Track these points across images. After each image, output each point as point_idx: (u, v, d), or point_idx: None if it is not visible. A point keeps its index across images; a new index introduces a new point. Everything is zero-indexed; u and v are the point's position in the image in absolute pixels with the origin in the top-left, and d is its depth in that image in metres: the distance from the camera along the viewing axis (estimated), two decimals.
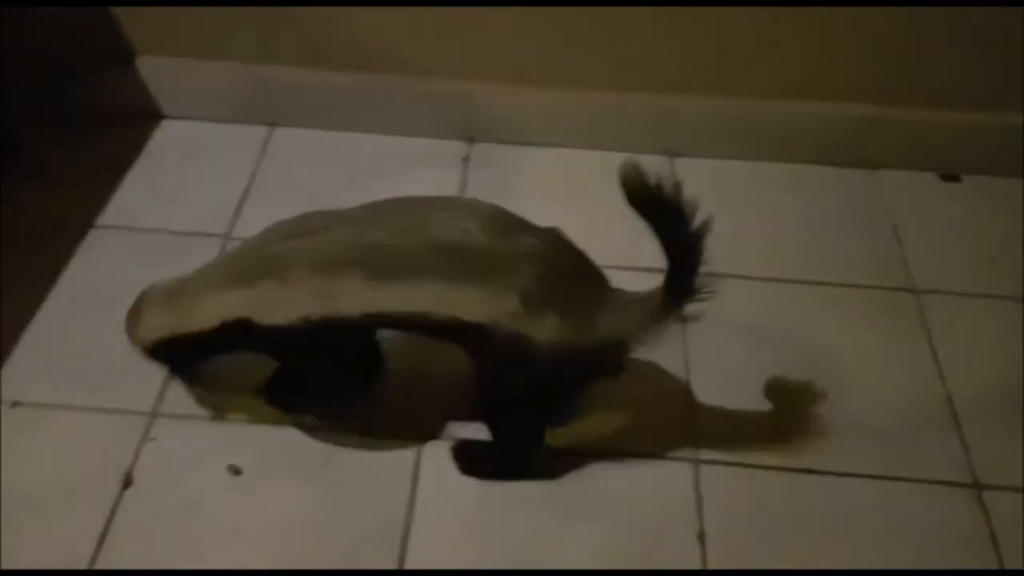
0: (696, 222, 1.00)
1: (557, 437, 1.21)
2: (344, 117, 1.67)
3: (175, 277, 1.18)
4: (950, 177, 1.65)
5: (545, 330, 1.02)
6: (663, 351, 1.31)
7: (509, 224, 1.08)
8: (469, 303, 1.02)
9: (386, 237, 1.05)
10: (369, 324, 1.10)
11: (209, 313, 1.11)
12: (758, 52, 1.56)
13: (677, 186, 0.99)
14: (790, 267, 1.48)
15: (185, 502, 1.16)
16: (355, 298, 1.04)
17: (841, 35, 1.53)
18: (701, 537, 1.14)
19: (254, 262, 1.11)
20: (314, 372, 1.21)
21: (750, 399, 1.29)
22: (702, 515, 1.16)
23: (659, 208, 0.98)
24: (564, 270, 1.07)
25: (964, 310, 1.43)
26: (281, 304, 1.06)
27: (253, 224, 1.47)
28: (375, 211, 1.11)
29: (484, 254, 1.04)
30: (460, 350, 1.10)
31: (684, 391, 1.31)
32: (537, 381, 1.07)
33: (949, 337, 1.39)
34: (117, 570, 1.10)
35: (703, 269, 1.02)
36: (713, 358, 1.34)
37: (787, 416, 1.28)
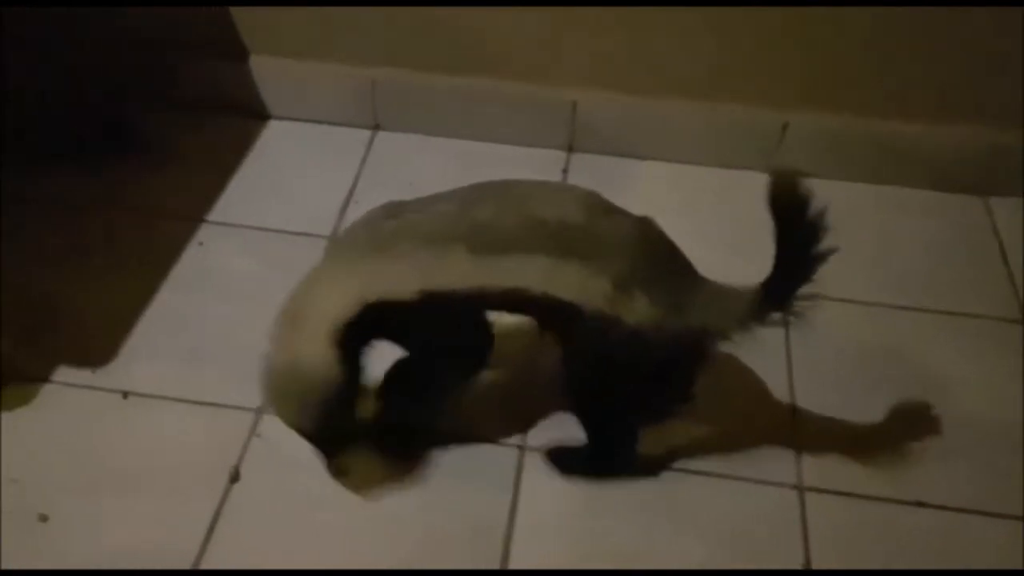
0: (822, 243, 1.00)
1: (655, 442, 1.21)
2: (446, 122, 1.68)
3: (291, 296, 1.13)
4: None
5: (635, 313, 1.03)
6: (769, 372, 1.32)
7: (605, 209, 1.09)
8: (563, 281, 1.03)
9: (487, 215, 1.06)
10: (474, 300, 1.09)
11: (342, 303, 1.07)
12: (881, 71, 1.54)
13: (821, 206, 0.99)
14: (896, 292, 1.46)
15: (291, 500, 1.18)
16: (460, 272, 1.05)
17: (971, 58, 1.50)
18: (807, 568, 1.13)
19: (365, 243, 1.11)
20: (433, 356, 1.18)
21: (856, 425, 1.28)
22: (808, 545, 1.15)
23: (797, 219, 0.99)
24: (657, 257, 1.08)
25: None
26: (396, 279, 1.06)
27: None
28: (475, 191, 1.12)
29: (581, 235, 1.05)
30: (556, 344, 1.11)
31: (788, 412, 1.29)
32: (625, 364, 1.06)
33: None
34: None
35: (806, 287, 1.02)
36: (817, 381, 1.33)
37: (895, 444, 1.26)
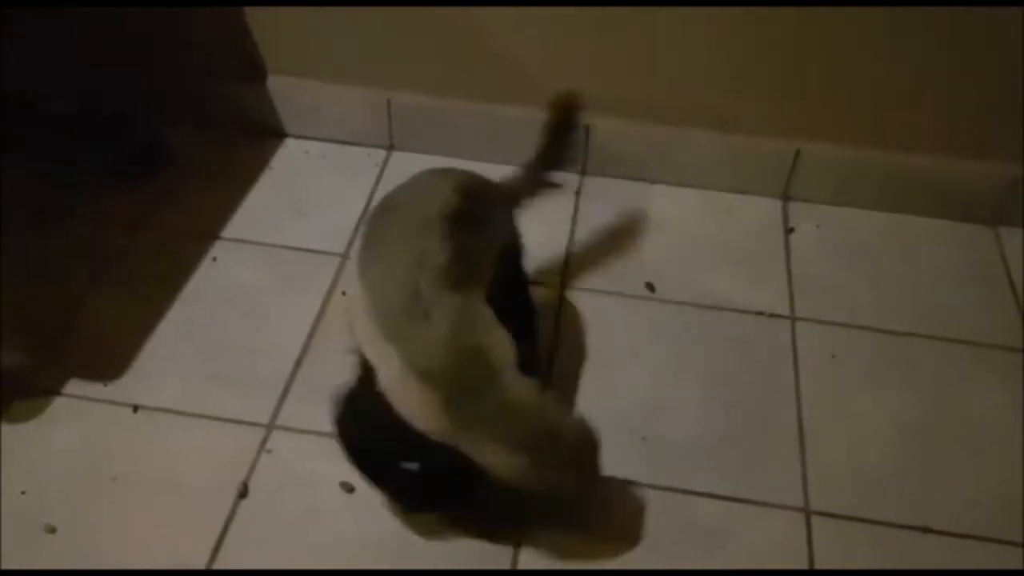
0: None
1: None
2: (460, 145, 1.70)
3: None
4: None
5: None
6: (780, 399, 1.32)
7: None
8: None
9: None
10: None
11: None
12: (894, 102, 1.55)
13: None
14: (907, 320, 1.46)
15: (299, 516, 1.19)
16: None
17: (984, 92, 1.51)
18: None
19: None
20: None
21: (865, 450, 1.28)
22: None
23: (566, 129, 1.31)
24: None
25: None
26: None
27: None
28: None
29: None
30: None
31: (796, 436, 1.30)
32: None
33: None
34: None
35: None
36: (830, 406, 1.34)
37: (904, 470, 1.26)
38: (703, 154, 1.66)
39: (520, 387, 1.03)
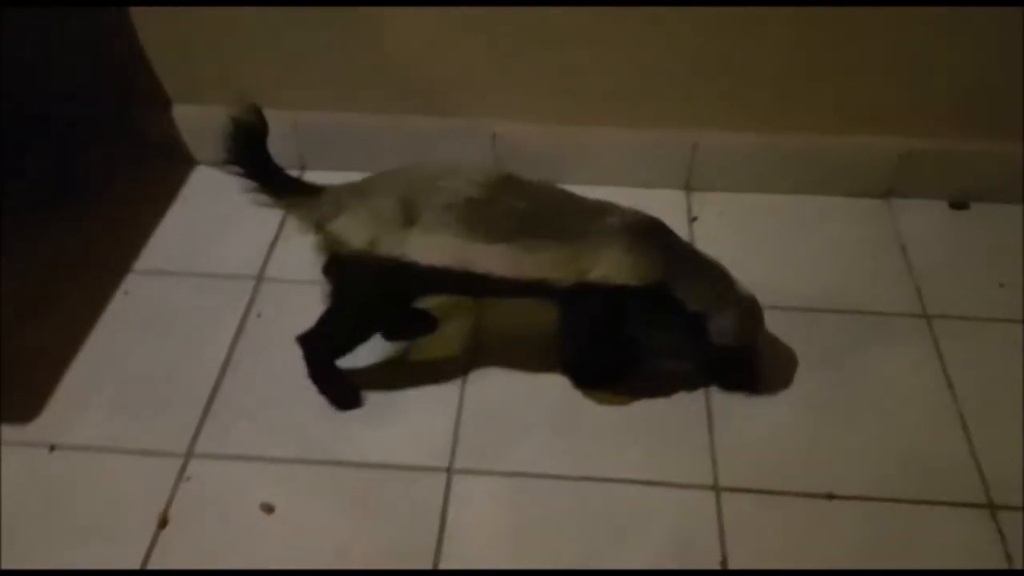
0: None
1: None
2: (371, 158, 1.71)
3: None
4: (959, 205, 1.69)
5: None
6: (684, 378, 1.37)
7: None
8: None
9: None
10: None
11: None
12: (784, 88, 1.61)
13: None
14: (808, 296, 1.52)
15: (220, 540, 1.20)
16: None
17: (868, 73, 1.57)
18: (724, 565, 1.18)
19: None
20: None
21: (771, 424, 1.34)
22: (724, 545, 1.20)
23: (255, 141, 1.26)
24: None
25: (973, 334, 1.47)
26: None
27: (285, 265, 1.56)
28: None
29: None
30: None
31: (704, 416, 1.35)
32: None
33: (959, 361, 1.43)
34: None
35: None
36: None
37: (809, 440, 1.32)
38: (610, 152, 1.71)
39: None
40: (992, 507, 1.24)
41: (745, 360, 1.36)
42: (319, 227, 1.23)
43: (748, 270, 1.55)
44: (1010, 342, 1.46)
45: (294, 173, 1.71)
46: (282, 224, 1.64)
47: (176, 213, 1.68)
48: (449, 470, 1.28)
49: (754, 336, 1.34)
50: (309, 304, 1.48)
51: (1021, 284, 1.55)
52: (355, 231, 1.21)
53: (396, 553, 1.19)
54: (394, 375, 1.40)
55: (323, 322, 1.31)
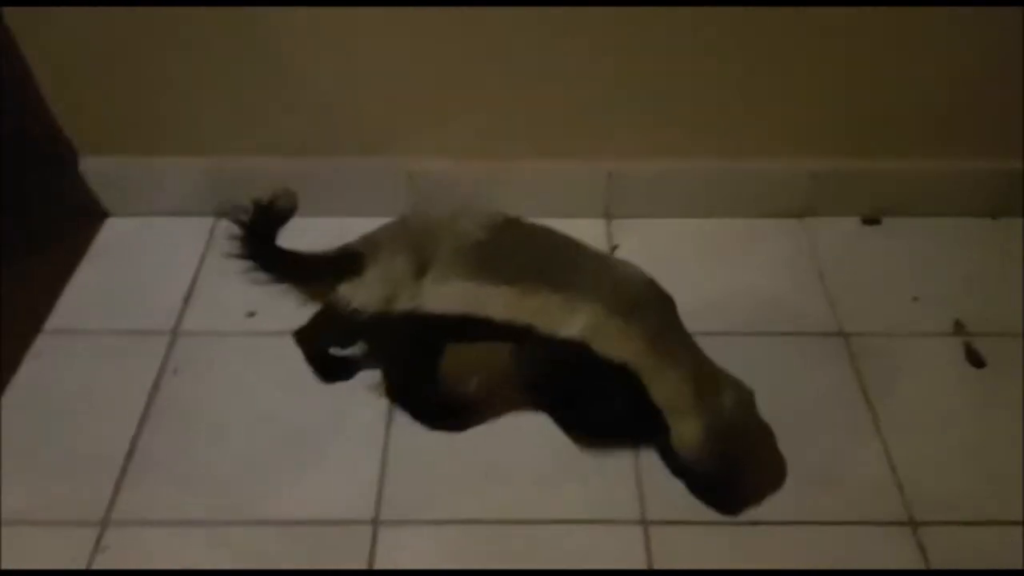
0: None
1: None
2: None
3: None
4: (871, 220, 1.73)
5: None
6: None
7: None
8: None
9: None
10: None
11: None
12: (696, 116, 1.62)
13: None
14: (729, 319, 1.53)
15: None
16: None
17: (776, 98, 1.60)
18: None
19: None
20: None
21: None
22: None
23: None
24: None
25: (889, 349, 1.50)
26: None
27: (202, 317, 1.53)
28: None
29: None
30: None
31: (629, 451, 1.35)
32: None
33: (876, 377, 1.45)
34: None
35: None
36: None
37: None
38: (528, 184, 1.71)
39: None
40: (913, 524, 1.27)
41: (718, 480, 1.26)
42: (330, 298, 1.26)
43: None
44: (925, 356, 1.49)
45: (208, 222, 1.72)
46: (196, 276, 1.61)
47: (87, 269, 1.63)
48: (375, 522, 1.26)
49: (727, 461, 1.24)
50: (227, 356, 1.47)
51: (934, 296, 1.58)
52: (368, 294, 1.22)
53: None
54: (319, 424, 1.38)
55: (386, 379, 1.38)
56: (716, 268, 1.64)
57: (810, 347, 1.51)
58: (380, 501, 1.29)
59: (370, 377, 1.44)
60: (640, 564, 1.22)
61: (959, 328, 1.53)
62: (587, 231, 1.68)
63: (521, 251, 1.22)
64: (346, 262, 1.25)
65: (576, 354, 1.19)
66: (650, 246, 1.68)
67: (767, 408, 1.39)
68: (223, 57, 1.54)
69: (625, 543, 1.24)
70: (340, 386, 1.43)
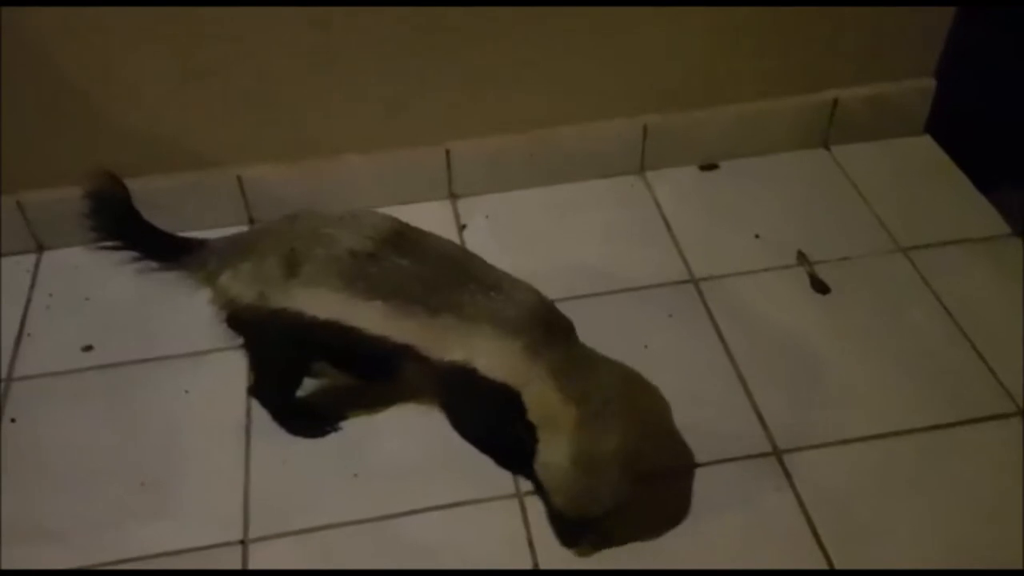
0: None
1: None
2: None
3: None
4: (708, 167, 1.76)
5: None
6: None
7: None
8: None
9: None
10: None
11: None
12: (521, 87, 1.62)
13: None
14: (583, 282, 1.53)
15: None
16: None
17: (598, 59, 1.61)
18: (536, 566, 1.18)
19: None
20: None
21: None
22: (534, 549, 1.20)
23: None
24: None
25: (737, 289, 1.53)
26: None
27: (36, 359, 1.44)
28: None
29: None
30: None
31: None
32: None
33: (728, 317, 1.48)
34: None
35: None
36: None
37: None
38: (365, 176, 1.67)
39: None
40: (778, 453, 1.30)
41: (568, 520, 1.16)
42: (209, 283, 1.21)
43: (522, 267, 1.55)
44: (773, 289, 1.53)
45: (30, 257, 1.62)
46: (24, 317, 1.52)
47: None
48: (244, 542, 1.22)
49: (588, 503, 1.12)
50: (68, 398, 1.39)
51: (775, 232, 1.62)
52: (243, 286, 1.18)
53: None
54: (173, 454, 1.32)
55: (253, 373, 1.32)
56: (565, 233, 1.65)
57: (665, 297, 1.52)
58: (247, 519, 1.24)
59: (223, 392, 1.38)
60: (520, 536, 1.21)
61: (802, 258, 1.57)
62: (434, 214, 1.69)
63: (402, 265, 1.15)
64: (189, 245, 1.24)
65: (463, 378, 1.14)
66: (498, 221, 1.68)
67: (630, 363, 1.40)
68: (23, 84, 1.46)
69: (502, 518, 1.23)
70: (190, 412, 1.37)
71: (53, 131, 1.52)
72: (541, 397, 1.11)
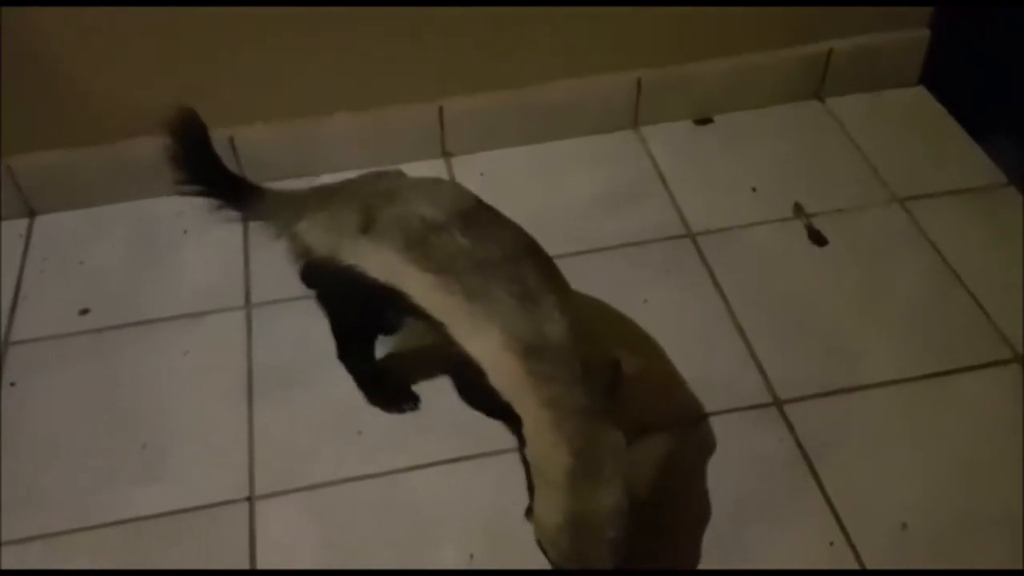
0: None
1: None
2: (102, 190, 1.61)
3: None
4: (703, 120, 1.75)
5: None
6: None
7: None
8: None
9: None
10: None
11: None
12: (514, 42, 1.61)
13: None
14: (579, 239, 1.53)
15: None
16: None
17: (588, 13, 1.59)
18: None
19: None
20: None
21: None
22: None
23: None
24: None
25: (734, 242, 1.53)
26: None
27: (33, 323, 1.43)
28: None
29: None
30: None
31: None
32: None
33: (727, 271, 1.48)
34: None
35: None
36: None
37: None
38: (357, 135, 1.66)
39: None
40: (778, 403, 1.31)
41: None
42: (286, 232, 1.19)
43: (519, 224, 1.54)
44: (768, 242, 1.53)
45: (22, 222, 1.60)
46: (19, 282, 1.51)
47: None
48: (250, 499, 1.22)
49: (583, 560, 1.01)
50: (66, 361, 1.39)
51: (772, 184, 1.62)
52: (316, 238, 1.16)
53: None
54: (176, 415, 1.32)
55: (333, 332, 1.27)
56: (561, 190, 1.64)
57: (662, 253, 1.52)
58: (252, 477, 1.24)
59: (223, 353, 1.38)
60: (524, 489, 1.21)
61: (799, 211, 1.57)
62: (429, 172, 1.67)
63: (461, 244, 1.09)
64: (268, 194, 1.23)
65: (474, 373, 1.08)
66: (493, 179, 1.66)
67: (636, 319, 1.41)
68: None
69: (507, 472, 1.23)
70: (190, 373, 1.37)
71: (40, 95, 1.50)
72: (536, 436, 1.03)
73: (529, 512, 1.13)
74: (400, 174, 1.20)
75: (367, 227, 1.13)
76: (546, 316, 1.05)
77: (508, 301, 1.06)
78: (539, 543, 1.05)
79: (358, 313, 1.23)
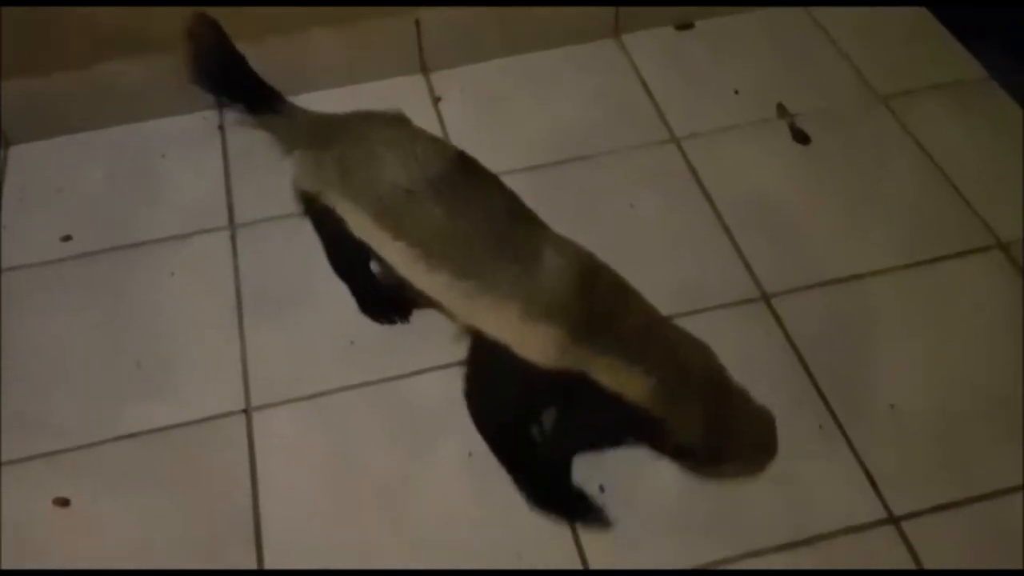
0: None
1: None
2: (80, 117, 1.58)
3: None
4: (684, 26, 1.73)
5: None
6: None
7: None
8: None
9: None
10: None
11: None
12: None
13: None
14: (561, 150, 1.52)
15: (18, 548, 1.11)
16: None
17: None
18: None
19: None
20: None
21: None
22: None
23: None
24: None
25: (717, 145, 1.53)
26: None
27: (15, 251, 1.42)
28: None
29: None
30: None
31: None
32: None
33: (706, 174, 1.48)
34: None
35: None
36: None
37: None
38: (331, 53, 1.63)
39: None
40: (766, 297, 1.32)
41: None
42: (288, 155, 1.20)
43: (502, 137, 1.54)
44: (752, 143, 1.53)
45: None
46: None
47: None
48: (247, 411, 1.23)
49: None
50: (53, 287, 1.38)
51: (754, 86, 1.61)
52: (304, 173, 1.17)
53: (212, 511, 1.14)
54: (167, 334, 1.32)
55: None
56: (543, 102, 1.62)
57: (647, 158, 1.52)
58: (248, 389, 1.25)
59: (211, 272, 1.38)
60: None
61: (782, 111, 1.57)
62: (407, 88, 1.66)
63: (435, 214, 1.04)
64: (286, 109, 1.23)
65: (489, 350, 1.03)
66: (474, 93, 1.65)
67: (616, 226, 1.40)
68: None
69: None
70: (178, 293, 1.37)
71: (12, 19, 1.46)
72: (611, 372, 0.98)
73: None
74: (384, 123, 1.14)
75: (344, 178, 1.11)
76: (551, 269, 1.01)
77: (512, 270, 1.00)
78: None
79: (345, 247, 1.19)
